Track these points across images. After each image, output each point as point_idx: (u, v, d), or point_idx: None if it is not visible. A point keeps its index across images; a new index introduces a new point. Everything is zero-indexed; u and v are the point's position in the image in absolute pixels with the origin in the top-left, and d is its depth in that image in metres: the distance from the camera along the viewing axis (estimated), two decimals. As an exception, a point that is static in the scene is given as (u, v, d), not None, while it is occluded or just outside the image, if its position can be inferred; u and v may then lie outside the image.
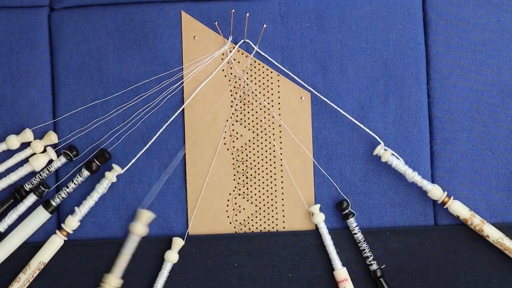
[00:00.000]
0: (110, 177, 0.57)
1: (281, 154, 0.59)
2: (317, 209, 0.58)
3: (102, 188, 0.57)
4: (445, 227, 0.58)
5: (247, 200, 0.59)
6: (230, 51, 0.59)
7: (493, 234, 0.57)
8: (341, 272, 0.57)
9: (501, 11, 0.59)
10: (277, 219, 0.59)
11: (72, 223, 0.57)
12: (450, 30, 0.59)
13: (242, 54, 0.59)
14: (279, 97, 0.59)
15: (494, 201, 0.59)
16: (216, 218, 0.59)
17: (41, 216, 0.58)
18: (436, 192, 0.57)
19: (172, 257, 0.58)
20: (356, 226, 0.58)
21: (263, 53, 0.59)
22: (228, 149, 0.59)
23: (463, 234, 0.58)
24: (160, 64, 0.59)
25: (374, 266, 0.58)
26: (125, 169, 0.58)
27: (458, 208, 0.57)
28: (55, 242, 0.58)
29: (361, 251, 0.58)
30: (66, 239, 0.58)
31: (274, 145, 0.59)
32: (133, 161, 0.58)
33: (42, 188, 0.58)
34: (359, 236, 0.58)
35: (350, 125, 0.59)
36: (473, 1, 0.59)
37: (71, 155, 0.58)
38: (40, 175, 0.58)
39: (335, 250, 0.58)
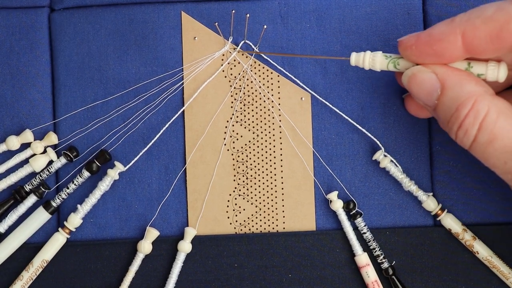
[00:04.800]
0: (113, 174, 0.57)
1: (281, 155, 0.59)
2: (335, 196, 0.58)
3: (104, 185, 0.58)
4: (445, 227, 0.58)
5: (247, 201, 0.59)
6: (231, 52, 0.59)
7: (482, 251, 0.57)
8: (363, 258, 0.57)
9: (501, 11, 0.59)
10: (277, 219, 0.59)
11: (74, 220, 0.57)
12: (450, 31, 0.59)
13: (243, 55, 0.59)
14: (279, 98, 0.59)
15: (494, 201, 0.59)
16: (216, 219, 0.59)
17: (41, 216, 0.58)
18: (430, 203, 0.57)
19: (185, 247, 0.58)
20: (365, 225, 0.58)
21: (262, 54, 0.59)
22: (228, 150, 0.59)
23: (463, 235, 0.58)
24: (160, 65, 0.59)
25: (386, 264, 0.58)
26: (127, 167, 0.58)
27: (450, 222, 0.57)
28: (58, 240, 0.58)
29: (371, 250, 0.58)
30: (68, 236, 0.58)
31: (274, 146, 0.59)
32: (134, 160, 0.58)
33: (42, 189, 0.58)
34: (368, 235, 0.58)
35: (350, 126, 0.59)
36: (473, 2, 0.59)
37: (71, 156, 0.58)
38: (40, 175, 0.58)
39: (355, 236, 0.58)
